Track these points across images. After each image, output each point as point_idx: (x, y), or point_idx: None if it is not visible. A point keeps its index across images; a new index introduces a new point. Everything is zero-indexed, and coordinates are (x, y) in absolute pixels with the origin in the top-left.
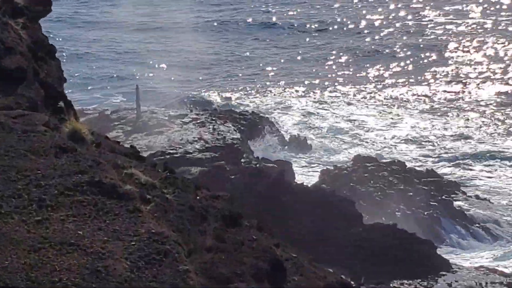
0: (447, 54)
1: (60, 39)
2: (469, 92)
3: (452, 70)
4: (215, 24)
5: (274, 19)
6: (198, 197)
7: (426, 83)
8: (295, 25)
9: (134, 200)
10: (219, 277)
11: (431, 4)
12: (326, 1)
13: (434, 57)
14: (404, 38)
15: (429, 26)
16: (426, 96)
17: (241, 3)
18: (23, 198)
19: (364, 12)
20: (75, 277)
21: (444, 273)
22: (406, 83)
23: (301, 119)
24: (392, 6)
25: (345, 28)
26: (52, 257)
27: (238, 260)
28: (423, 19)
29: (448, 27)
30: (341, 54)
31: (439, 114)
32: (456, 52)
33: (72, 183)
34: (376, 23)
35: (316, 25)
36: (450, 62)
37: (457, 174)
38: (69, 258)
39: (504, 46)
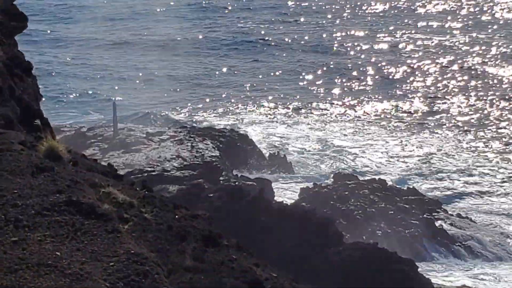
0: (423, 70)
1: (34, 56)
2: (446, 108)
3: (429, 86)
4: (191, 39)
5: (251, 36)
6: (176, 216)
7: (403, 99)
8: (271, 41)
9: (113, 221)
10: None
11: (405, 20)
12: (300, 17)
13: (409, 73)
14: (379, 54)
15: (403, 42)
16: (404, 112)
17: (219, 18)
18: None
19: (339, 29)
20: None
21: None
22: (383, 99)
23: (280, 137)
24: (366, 23)
25: (321, 45)
26: (29, 279)
27: (217, 281)
28: (398, 37)
29: (423, 43)
30: (317, 71)
31: (417, 130)
32: (432, 68)
33: (49, 203)
34: (352, 40)
35: (292, 42)
36: (427, 78)
37: (438, 191)
38: (47, 279)
39: (481, 63)
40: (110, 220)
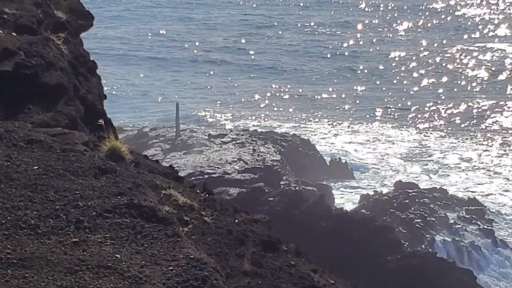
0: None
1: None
2: None
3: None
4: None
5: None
6: (236, 221)
7: (469, 104)
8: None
9: (173, 225)
10: None
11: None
12: None
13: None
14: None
15: None
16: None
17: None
18: (60, 218)
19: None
20: None
21: None
22: (450, 105)
23: (342, 144)
24: None
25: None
26: (88, 280)
27: (275, 286)
28: None
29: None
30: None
31: (484, 141)
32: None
33: (111, 205)
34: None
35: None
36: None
37: (498, 202)
38: (106, 281)
39: None
40: (171, 224)
